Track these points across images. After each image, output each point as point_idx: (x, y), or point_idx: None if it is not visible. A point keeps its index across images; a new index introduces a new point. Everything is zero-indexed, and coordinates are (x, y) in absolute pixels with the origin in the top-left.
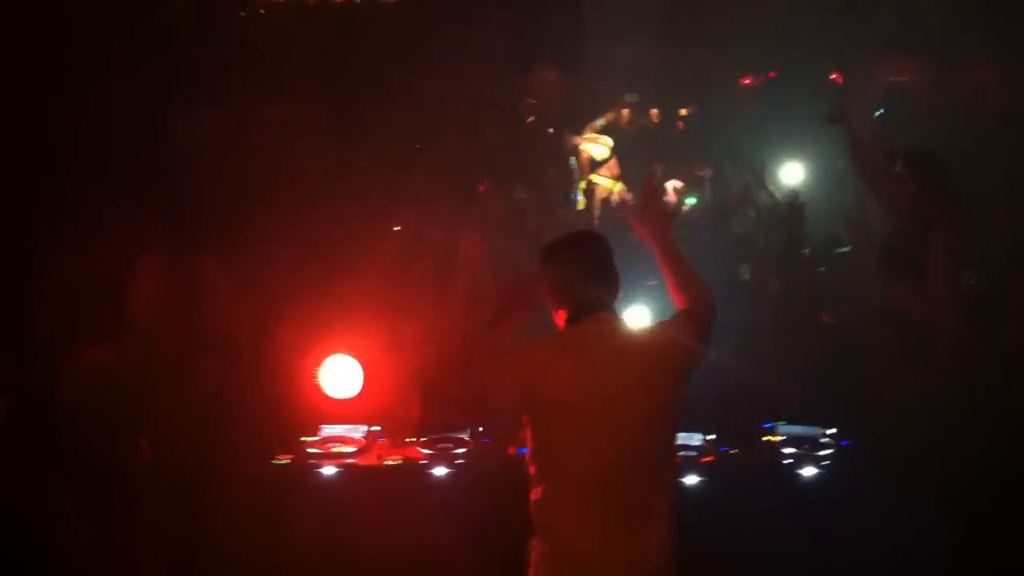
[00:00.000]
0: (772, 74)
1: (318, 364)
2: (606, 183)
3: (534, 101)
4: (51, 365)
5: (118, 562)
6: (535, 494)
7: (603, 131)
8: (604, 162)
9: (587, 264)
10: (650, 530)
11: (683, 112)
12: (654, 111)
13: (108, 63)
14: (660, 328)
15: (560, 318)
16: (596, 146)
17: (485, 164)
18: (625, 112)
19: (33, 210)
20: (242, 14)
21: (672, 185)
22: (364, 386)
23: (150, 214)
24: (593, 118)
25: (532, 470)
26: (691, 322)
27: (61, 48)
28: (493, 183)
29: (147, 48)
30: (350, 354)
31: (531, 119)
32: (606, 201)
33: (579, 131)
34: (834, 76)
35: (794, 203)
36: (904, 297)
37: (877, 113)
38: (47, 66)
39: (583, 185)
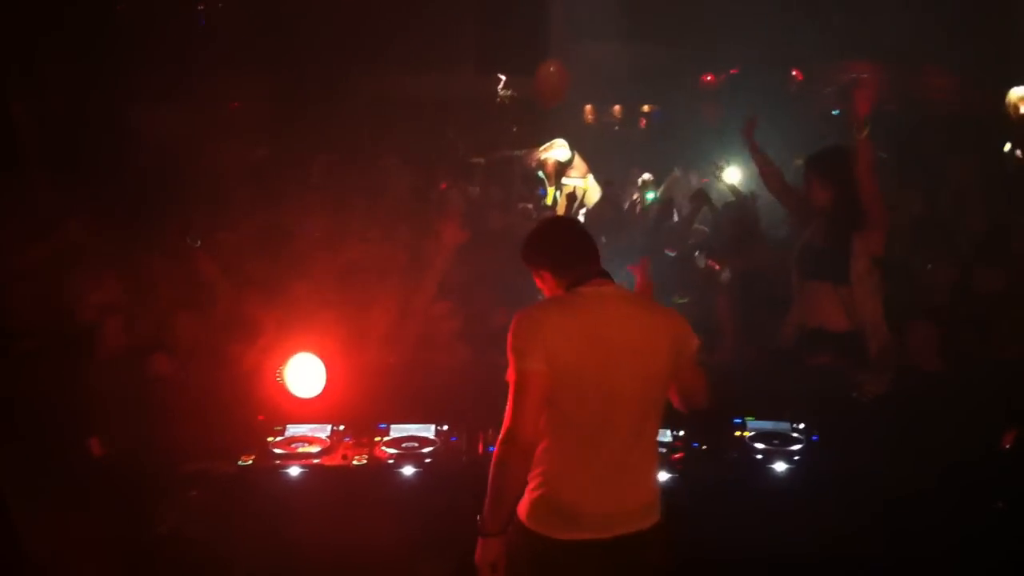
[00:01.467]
0: (733, 71)
1: (282, 363)
2: (579, 183)
3: (504, 92)
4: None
5: (73, 566)
6: (543, 443)
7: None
8: (569, 163)
9: (576, 236)
10: (637, 477)
11: (645, 109)
12: (616, 108)
13: (50, 56)
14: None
15: (561, 289)
16: (556, 151)
17: (449, 162)
18: (588, 109)
19: None
20: (200, 8)
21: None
22: (328, 385)
23: (108, 209)
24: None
25: (542, 422)
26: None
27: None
28: (457, 180)
29: (99, 40)
30: (314, 352)
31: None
32: (579, 201)
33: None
34: (795, 73)
35: (749, 198)
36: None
37: (835, 113)
38: None
39: (552, 192)
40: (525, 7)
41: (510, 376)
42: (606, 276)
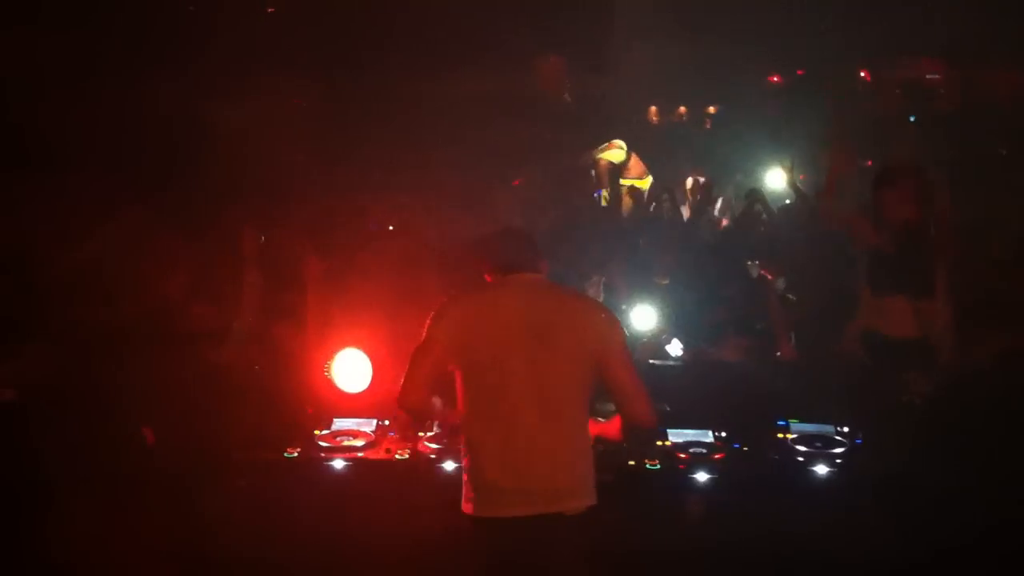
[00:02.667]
0: (800, 72)
1: (329, 358)
2: (636, 183)
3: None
4: (55, 354)
5: (122, 553)
6: (463, 423)
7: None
8: (624, 164)
9: (512, 235)
10: (555, 460)
11: (711, 110)
12: (682, 109)
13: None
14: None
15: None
16: (612, 151)
17: (500, 160)
18: (653, 109)
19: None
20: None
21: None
22: (374, 380)
23: (156, 203)
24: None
25: (460, 406)
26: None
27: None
28: (514, 177)
29: (150, 37)
30: (360, 348)
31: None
32: (639, 199)
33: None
34: (863, 74)
35: (808, 201)
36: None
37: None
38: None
39: (607, 194)
40: (589, 5)
41: (412, 355)
42: (536, 270)
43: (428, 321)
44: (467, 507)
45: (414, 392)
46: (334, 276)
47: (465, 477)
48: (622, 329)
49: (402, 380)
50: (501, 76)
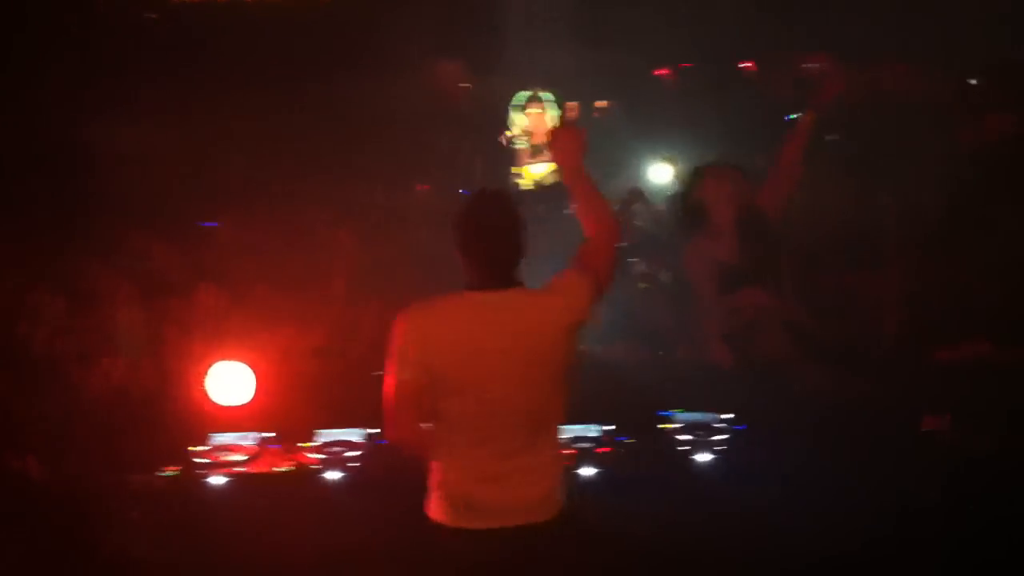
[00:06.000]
0: (685, 65)
1: (205, 370)
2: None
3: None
4: None
5: None
6: (436, 443)
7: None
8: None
9: (494, 237)
10: (531, 474)
11: (598, 105)
12: (572, 104)
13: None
14: (558, 290)
15: (465, 277)
16: (535, 166)
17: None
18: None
19: None
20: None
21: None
22: (256, 392)
23: (27, 220)
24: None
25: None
26: (580, 277)
27: None
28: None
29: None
30: (240, 360)
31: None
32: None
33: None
34: (747, 65)
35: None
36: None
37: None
38: None
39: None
40: (475, 8)
41: (386, 375)
42: (507, 280)
43: (398, 336)
44: (437, 515)
45: (403, 424)
46: (215, 287)
47: (436, 484)
48: (575, 276)
49: (385, 409)
50: (391, 82)
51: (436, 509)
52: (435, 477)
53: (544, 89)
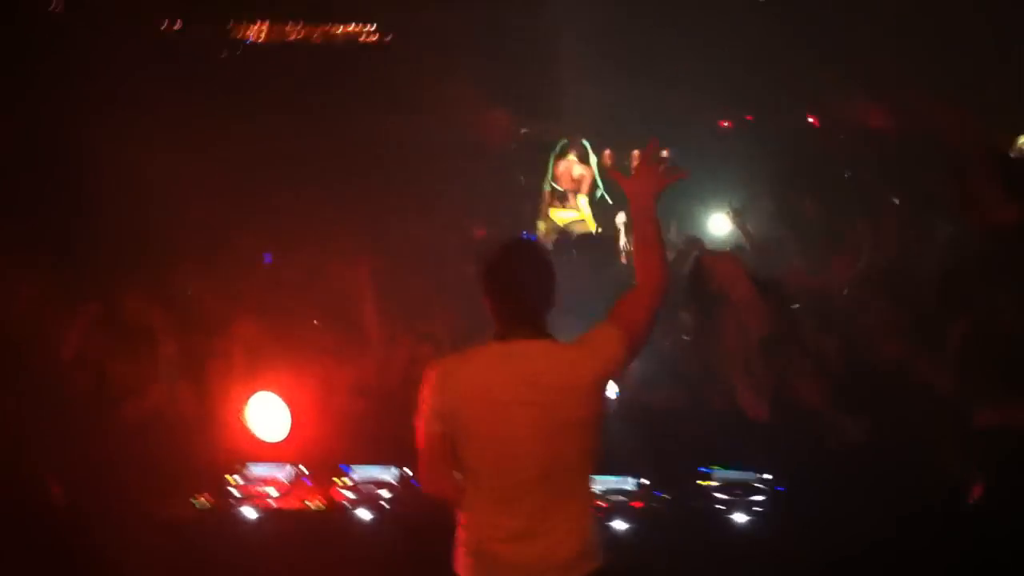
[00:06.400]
0: (748, 117)
1: (244, 402)
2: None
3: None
4: None
5: None
6: (465, 503)
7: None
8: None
9: (524, 285)
10: (561, 532)
11: (664, 154)
12: (635, 152)
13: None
14: (591, 345)
15: (494, 326)
16: (565, 212)
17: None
18: (607, 153)
19: None
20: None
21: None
22: (292, 425)
23: (68, 253)
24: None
25: (459, 482)
26: (614, 331)
27: None
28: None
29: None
30: (278, 393)
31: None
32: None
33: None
34: (811, 120)
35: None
36: None
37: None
38: None
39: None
40: (538, 50)
41: (416, 427)
42: (535, 331)
43: (426, 387)
44: (463, 571)
45: (437, 477)
46: (255, 321)
47: (461, 540)
48: (611, 331)
49: (418, 464)
50: (446, 123)
51: (461, 566)
52: (460, 532)
53: (582, 137)
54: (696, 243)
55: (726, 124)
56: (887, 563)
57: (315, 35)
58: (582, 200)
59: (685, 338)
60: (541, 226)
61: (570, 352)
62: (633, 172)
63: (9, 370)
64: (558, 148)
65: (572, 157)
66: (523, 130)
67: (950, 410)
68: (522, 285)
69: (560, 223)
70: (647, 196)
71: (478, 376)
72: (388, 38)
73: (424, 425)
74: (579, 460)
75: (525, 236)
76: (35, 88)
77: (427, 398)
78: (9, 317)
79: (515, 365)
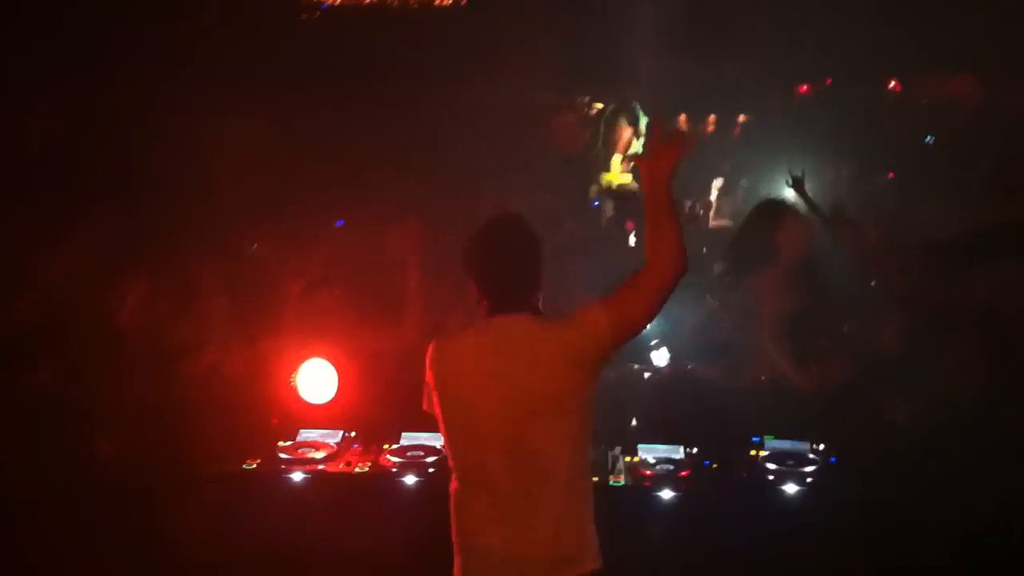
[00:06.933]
0: (827, 81)
1: (295, 368)
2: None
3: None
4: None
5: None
6: (451, 488)
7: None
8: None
9: (506, 260)
10: (555, 524)
11: (740, 119)
12: (711, 118)
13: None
14: (571, 321)
15: (480, 308)
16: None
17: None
18: (682, 119)
19: None
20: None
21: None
22: (339, 391)
23: (119, 217)
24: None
25: (449, 464)
26: (603, 310)
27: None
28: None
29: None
30: (325, 359)
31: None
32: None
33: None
34: (892, 85)
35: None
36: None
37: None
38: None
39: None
40: (613, 19)
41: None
42: (517, 306)
43: (425, 368)
44: (456, 563)
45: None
46: (303, 286)
47: (455, 541)
48: (597, 310)
49: None
50: (522, 93)
51: (456, 568)
52: (454, 531)
53: (636, 102)
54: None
55: (804, 89)
56: (941, 537)
57: None
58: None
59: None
60: (593, 189)
61: (548, 325)
62: (647, 149)
63: (67, 332)
64: (608, 113)
65: (623, 122)
66: (586, 98)
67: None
68: (502, 261)
69: (613, 185)
70: (660, 175)
71: (459, 353)
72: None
73: (425, 403)
74: (554, 445)
75: (509, 214)
76: (96, 50)
77: (425, 376)
78: (67, 278)
79: (492, 340)
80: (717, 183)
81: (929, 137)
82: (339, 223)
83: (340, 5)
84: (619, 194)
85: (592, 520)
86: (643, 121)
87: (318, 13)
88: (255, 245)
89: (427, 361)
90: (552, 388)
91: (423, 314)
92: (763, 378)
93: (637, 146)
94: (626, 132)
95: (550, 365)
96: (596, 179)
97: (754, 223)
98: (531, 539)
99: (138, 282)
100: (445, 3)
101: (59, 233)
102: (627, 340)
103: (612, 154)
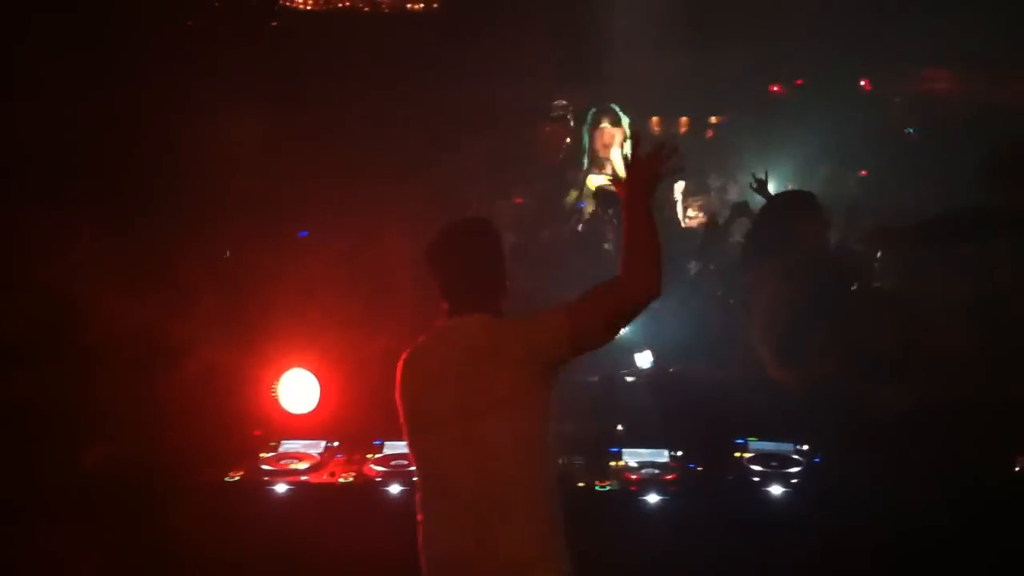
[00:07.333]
0: (798, 81)
1: (276, 378)
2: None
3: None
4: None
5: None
6: (416, 497)
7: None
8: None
9: (461, 262)
10: (513, 528)
11: (713, 120)
12: (683, 119)
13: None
14: (531, 321)
15: (441, 311)
16: (602, 176)
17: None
18: (654, 121)
19: None
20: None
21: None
22: (322, 401)
23: (110, 220)
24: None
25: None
26: (562, 316)
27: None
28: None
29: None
30: (308, 369)
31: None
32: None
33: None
34: (863, 83)
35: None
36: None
37: (909, 131)
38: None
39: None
40: (586, 18)
41: None
42: (475, 306)
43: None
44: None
45: None
46: (284, 295)
47: (420, 549)
48: (560, 316)
49: None
50: (498, 90)
51: (423, 569)
52: (420, 534)
53: (614, 104)
54: (742, 208)
55: (776, 88)
56: (926, 536)
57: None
58: (615, 153)
59: (726, 303)
60: (572, 195)
61: (505, 324)
62: (629, 163)
63: (60, 335)
64: (589, 118)
65: (605, 124)
66: (562, 102)
67: (989, 382)
68: (457, 264)
69: (596, 187)
70: (637, 191)
71: (417, 359)
72: (435, 4)
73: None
74: (511, 446)
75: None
76: (95, 53)
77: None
78: (61, 280)
79: (447, 340)
80: (679, 186)
81: (910, 129)
82: (302, 233)
83: (312, 10)
84: (602, 196)
85: (559, 522)
86: (625, 122)
87: (288, 17)
88: (227, 252)
89: (401, 365)
90: (506, 385)
91: (407, 322)
92: (750, 378)
93: (617, 151)
94: (608, 134)
95: (504, 362)
96: (580, 181)
97: (778, 213)
98: (492, 544)
99: (115, 293)
100: (416, 8)
101: (56, 236)
102: (586, 351)
103: (595, 156)
